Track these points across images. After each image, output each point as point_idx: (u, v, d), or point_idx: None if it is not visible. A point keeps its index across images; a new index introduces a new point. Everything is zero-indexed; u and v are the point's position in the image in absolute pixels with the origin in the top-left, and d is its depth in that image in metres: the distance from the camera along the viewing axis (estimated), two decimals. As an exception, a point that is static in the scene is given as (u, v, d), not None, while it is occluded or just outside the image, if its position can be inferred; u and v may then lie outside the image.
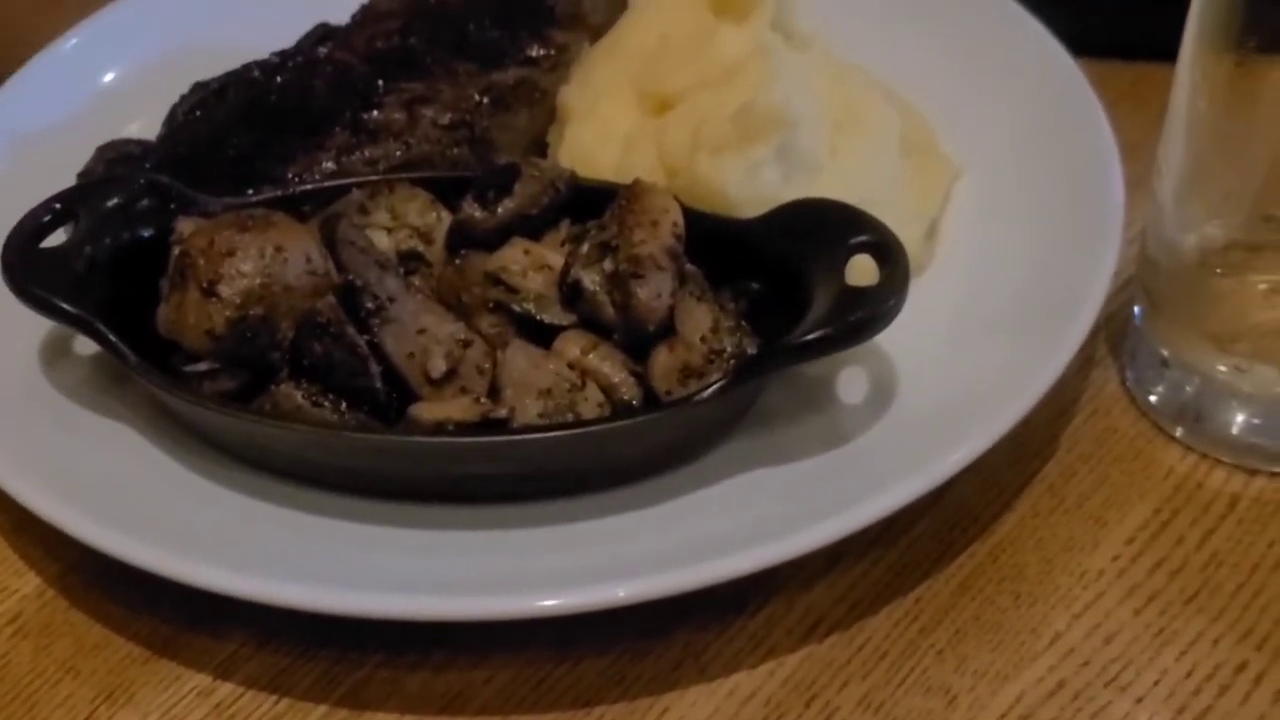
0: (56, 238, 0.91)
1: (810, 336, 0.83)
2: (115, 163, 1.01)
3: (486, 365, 0.84)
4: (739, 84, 0.97)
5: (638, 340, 0.86)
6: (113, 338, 0.86)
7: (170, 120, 1.04)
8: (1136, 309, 0.94)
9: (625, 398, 0.85)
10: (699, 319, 0.86)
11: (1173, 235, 0.89)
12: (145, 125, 1.05)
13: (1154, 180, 0.90)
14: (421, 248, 0.92)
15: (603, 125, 1.01)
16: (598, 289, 0.86)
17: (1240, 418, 0.89)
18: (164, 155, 1.01)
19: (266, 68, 1.07)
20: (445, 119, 1.02)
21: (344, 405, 0.84)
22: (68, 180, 0.99)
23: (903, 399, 0.88)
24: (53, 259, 0.89)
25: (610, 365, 0.85)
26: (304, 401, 0.83)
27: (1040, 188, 0.99)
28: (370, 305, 0.84)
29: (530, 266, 0.89)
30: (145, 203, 0.92)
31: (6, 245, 0.88)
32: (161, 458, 0.88)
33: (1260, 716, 0.78)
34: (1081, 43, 1.08)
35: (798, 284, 0.86)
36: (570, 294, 0.87)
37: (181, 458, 0.88)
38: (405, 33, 1.08)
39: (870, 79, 1.05)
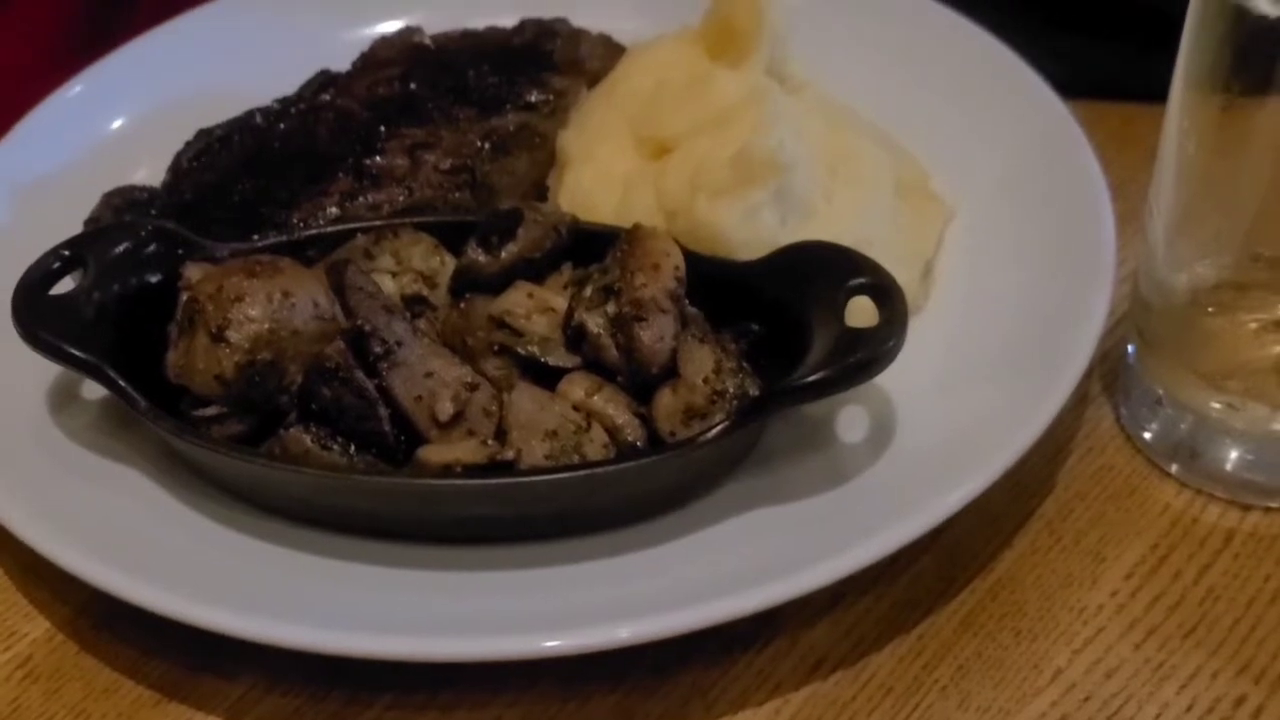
0: (65, 283, 0.92)
1: (812, 378, 0.84)
2: (122, 209, 1.02)
3: (493, 408, 0.85)
4: (735, 128, 0.99)
5: (641, 382, 0.87)
6: (122, 383, 0.87)
7: (175, 166, 1.06)
8: (1130, 348, 0.95)
9: (630, 439, 0.86)
10: (701, 361, 0.87)
11: (1164, 275, 0.91)
12: (151, 172, 1.07)
13: (1145, 221, 0.91)
14: (426, 292, 0.93)
15: (602, 169, 1.03)
16: (601, 332, 0.87)
17: (1234, 454, 0.91)
18: (170, 201, 1.03)
19: (270, 114, 1.09)
20: (447, 164, 1.04)
21: (353, 448, 0.85)
22: (75, 226, 1.00)
23: (902, 438, 0.89)
24: (62, 305, 0.90)
25: (615, 407, 0.86)
26: (313, 445, 0.84)
27: (1033, 228, 1.01)
28: (379, 350, 0.85)
29: (534, 310, 0.90)
30: (152, 249, 0.93)
31: (17, 293, 0.89)
32: (170, 501, 0.89)
33: (1259, 749, 0.80)
34: (1071, 85, 1.09)
35: (797, 325, 0.88)
36: (574, 337, 0.88)
37: (190, 501, 0.88)
38: (406, 79, 1.10)
39: (863, 122, 1.07)
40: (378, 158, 1.04)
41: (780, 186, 0.96)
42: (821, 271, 0.89)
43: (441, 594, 0.84)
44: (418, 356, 0.86)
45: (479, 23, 1.17)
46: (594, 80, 1.12)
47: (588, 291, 0.89)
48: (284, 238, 0.96)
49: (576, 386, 0.87)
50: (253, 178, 1.03)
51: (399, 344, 0.85)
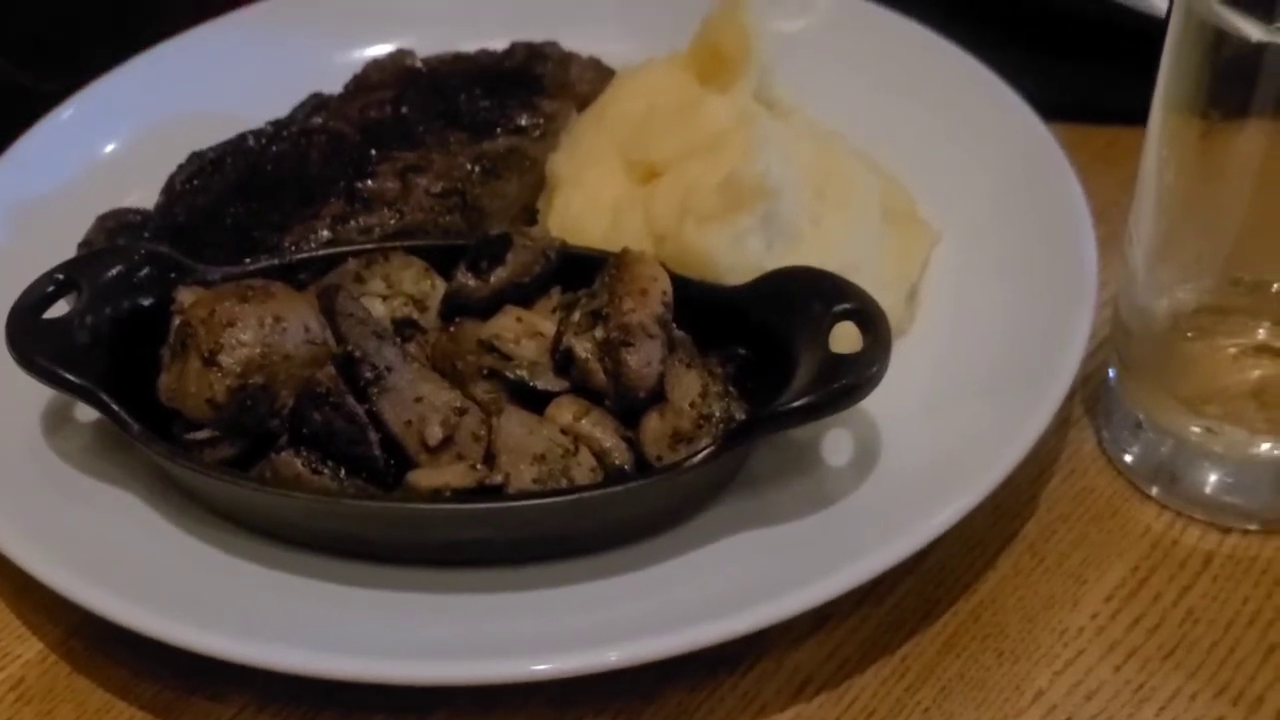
0: (59, 306, 0.93)
1: (797, 403, 0.85)
2: (115, 232, 1.03)
3: (482, 432, 0.86)
4: (724, 153, 1.00)
5: (629, 406, 0.88)
6: (116, 407, 0.88)
7: (168, 189, 1.07)
8: (1111, 371, 0.96)
9: (617, 462, 0.87)
10: (688, 385, 0.88)
11: (1144, 301, 0.92)
12: (144, 194, 1.07)
13: (1125, 248, 0.93)
14: (416, 315, 0.94)
15: (591, 193, 1.04)
16: (589, 356, 0.88)
17: (1213, 477, 0.92)
18: (163, 224, 1.03)
19: (262, 136, 1.10)
20: (437, 187, 1.05)
21: (343, 472, 0.86)
22: (69, 249, 1.01)
23: (886, 461, 0.90)
24: (56, 329, 0.90)
25: (602, 431, 0.87)
26: (303, 469, 0.85)
27: (1016, 252, 1.02)
28: (369, 375, 0.86)
29: (523, 334, 0.91)
30: (145, 272, 0.94)
31: (11, 317, 0.90)
32: (162, 523, 0.89)
33: (1237, 771, 0.81)
34: (1054, 107, 1.11)
35: (783, 350, 0.89)
36: (562, 361, 0.89)
37: (181, 523, 0.89)
38: (397, 102, 1.11)
39: (850, 147, 1.08)
40: (369, 181, 1.05)
41: (768, 212, 0.97)
42: (807, 296, 0.90)
43: (431, 617, 0.85)
44: (407, 381, 0.87)
45: (470, 46, 1.18)
46: (584, 103, 1.13)
47: (576, 316, 0.90)
48: (275, 261, 0.97)
49: (565, 410, 0.88)
50: (245, 200, 1.04)
51: (389, 369, 0.86)
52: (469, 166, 1.06)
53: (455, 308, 0.94)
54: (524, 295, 0.94)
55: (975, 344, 0.97)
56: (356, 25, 1.22)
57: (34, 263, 0.94)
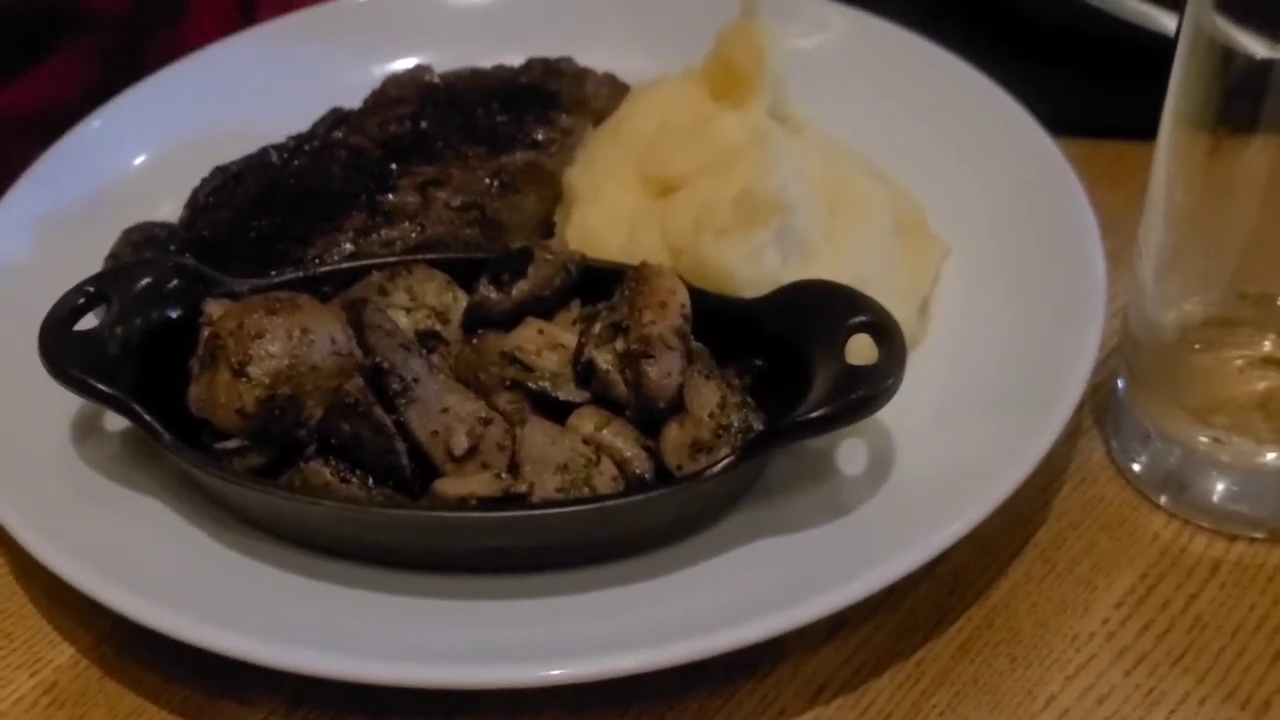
0: (89, 318, 0.95)
1: (814, 414, 0.87)
2: (142, 245, 1.04)
3: (506, 442, 0.88)
4: (738, 168, 1.01)
5: (649, 416, 0.90)
6: (147, 417, 0.89)
7: (192, 203, 1.08)
8: (1120, 382, 0.98)
9: (638, 472, 0.89)
10: (707, 396, 0.90)
11: (1153, 313, 0.93)
12: (169, 208, 1.09)
13: (1134, 261, 0.94)
14: (439, 327, 0.96)
15: (608, 207, 1.05)
16: (610, 368, 0.90)
17: (1221, 486, 0.93)
18: (187, 238, 1.05)
19: (284, 151, 1.11)
20: (457, 201, 1.07)
21: (370, 481, 0.87)
22: (96, 262, 1.03)
23: (901, 471, 0.92)
24: (87, 341, 0.92)
25: (623, 441, 0.89)
26: (332, 478, 0.87)
27: (1025, 265, 1.03)
28: (396, 386, 0.87)
29: (544, 346, 0.93)
30: (173, 284, 0.95)
31: (43, 329, 0.92)
32: (191, 530, 0.91)
33: (1246, 774, 0.82)
34: (1062, 122, 1.12)
35: (799, 362, 0.90)
36: (584, 373, 0.91)
37: (210, 530, 0.91)
38: (416, 118, 1.13)
39: (862, 162, 1.10)
40: (390, 195, 1.06)
41: (782, 226, 0.99)
42: (823, 309, 0.92)
43: (455, 622, 0.86)
44: (433, 392, 0.88)
45: (487, 61, 1.19)
46: (599, 118, 1.14)
47: (596, 328, 0.92)
48: (300, 273, 0.99)
49: (586, 421, 0.90)
50: (269, 214, 1.05)
51: (415, 380, 0.88)
52: (488, 181, 1.08)
53: (477, 320, 0.95)
54: (545, 308, 0.95)
55: (986, 355, 0.98)
56: (376, 42, 1.23)
57: (62, 275, 0.96)
